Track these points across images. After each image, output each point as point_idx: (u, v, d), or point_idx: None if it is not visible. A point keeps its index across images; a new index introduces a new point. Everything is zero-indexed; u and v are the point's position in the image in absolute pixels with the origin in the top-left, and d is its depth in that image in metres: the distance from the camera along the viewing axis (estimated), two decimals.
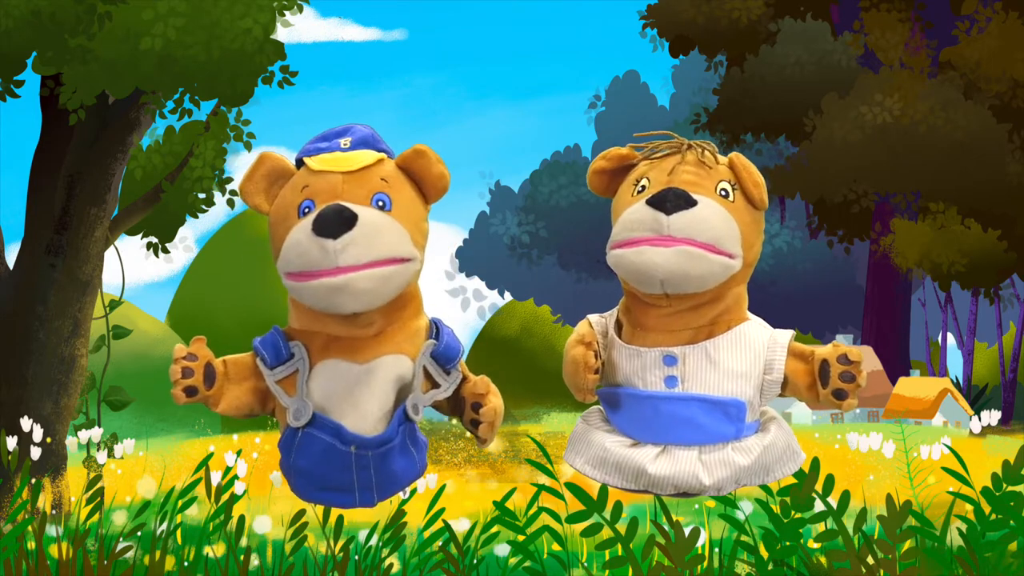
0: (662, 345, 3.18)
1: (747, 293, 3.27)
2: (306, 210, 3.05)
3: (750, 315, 3.26)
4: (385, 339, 3.12)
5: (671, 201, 3.07)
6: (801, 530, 4.96)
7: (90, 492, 5.78)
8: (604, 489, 3.33)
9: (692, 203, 3.07)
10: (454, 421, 3.39)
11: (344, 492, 3.15)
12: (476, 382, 3.23)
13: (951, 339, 22.90)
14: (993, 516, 5.04)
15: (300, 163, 3.16)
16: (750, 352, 3.18)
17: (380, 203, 3.06)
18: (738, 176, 3.17)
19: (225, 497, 5.63)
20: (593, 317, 3.33)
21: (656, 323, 3.19)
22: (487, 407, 3.21)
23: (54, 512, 9.21)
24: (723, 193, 3.14)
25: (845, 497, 4.88)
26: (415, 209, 3.13)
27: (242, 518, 5.68)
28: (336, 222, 2.96)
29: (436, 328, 3.20)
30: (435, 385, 3.18)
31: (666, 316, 3.17)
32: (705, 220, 3.07)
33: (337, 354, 3.09)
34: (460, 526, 5.60)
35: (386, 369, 3.11)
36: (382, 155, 3.16)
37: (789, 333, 3.23)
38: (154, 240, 10.18)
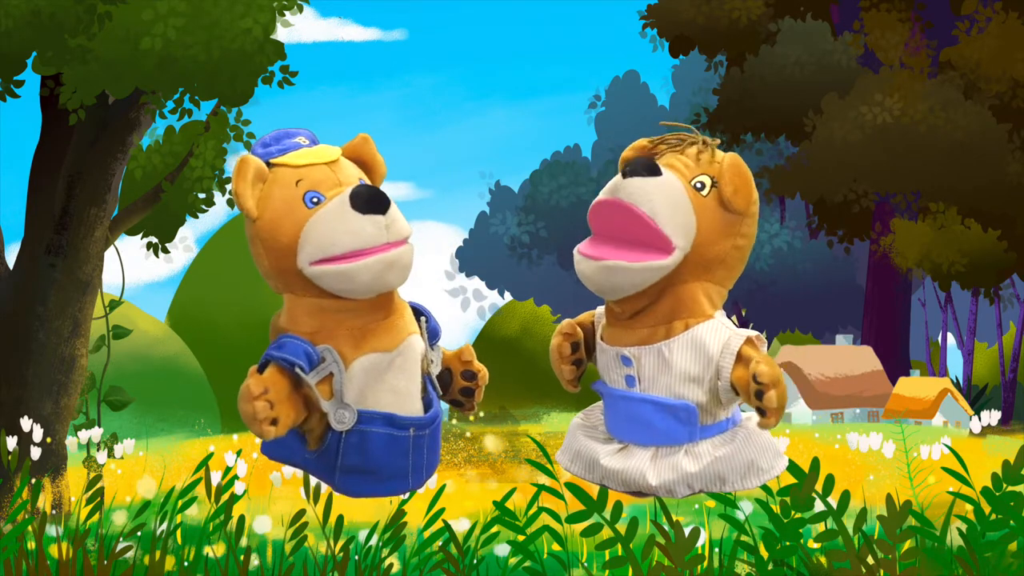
0: (619, 344, 3.18)
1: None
2: (314, 200, 3.05)
3: (716, 314, 3.18)
4: (397, 323, 3.14)
5: (632, 166, 3.07)
6: (801, 530, 4.96)
7: (90, 492, 5.78)
8: (604, 489, 3.33)
9: (654, 173, 3.05)
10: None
11: (399, 479, 3.17)
12: (461, 351, 3.30)
13: (951, 339, 22.92)
14: (993, 516, 5.04)
15: (268, 165, 3.17)
16: (703, 356, 3.12)
17: None
18: (719, 172, 3.13)
19: (225, 497, 5.63)
20: (600, 308, 3.34)
21: (616, 321, 3.21)
22: (481, 372, 3.31)
23: (54, 512, 9.21)
24: (698, 186, 3.11)
25: (845, 497, 4.88)
26: None
27: (242, 518, 5.68)
28: (379, 199, 3.00)
29: (417, 308, 3.25)
30: (429, 362, 3.23)
31: (623, 314, 3.18)
32: (652, 192, 3.03)
33: (367, 348, 3.09)
34: (460, 526, 5.61)
35: (412, 350, 3.15)
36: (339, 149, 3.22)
37: (743, 337, 3.12)
38: (154, 240, 10.18)
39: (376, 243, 2.99)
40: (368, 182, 3.15)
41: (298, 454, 3.18)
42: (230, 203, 9.88)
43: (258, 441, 3.10)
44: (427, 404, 3.19)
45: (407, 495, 3.60)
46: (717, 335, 3.13)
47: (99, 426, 10.08)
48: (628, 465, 3.17)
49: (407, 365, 3.13)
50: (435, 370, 3.24)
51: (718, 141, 3.20)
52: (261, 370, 3.05)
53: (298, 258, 3.03)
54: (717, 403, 3.16)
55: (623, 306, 3.14)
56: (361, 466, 3.11)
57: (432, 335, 3.24)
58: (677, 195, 3.06)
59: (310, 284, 3.04)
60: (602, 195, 3.13)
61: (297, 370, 3.02)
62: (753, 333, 3.15)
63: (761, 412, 3.08)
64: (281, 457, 3.24)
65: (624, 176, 3.07)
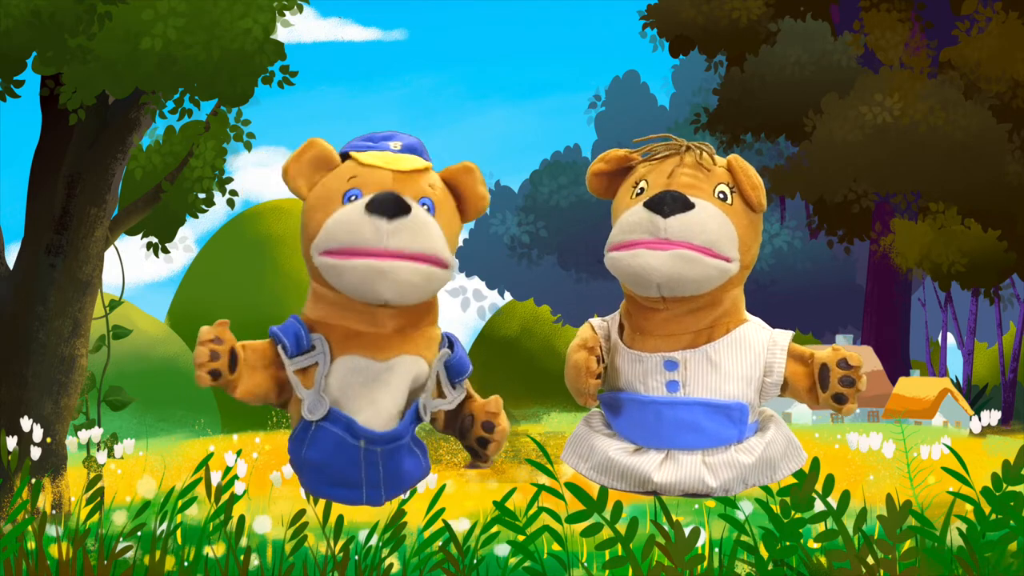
0: (662, 350, 3.17)
1: (745, 294, 3.27)
2: (352, 198, 3.04)
3: (749, 316, 3.25)
4: (405, 340, 3.11)
5: (668, 204, 3.06)
6: (801, 530, 4.96)
7: (90, 492, 5.78)
8: (604, 489, 3.32)
9: (689, 206, 3.06)
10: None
11: (351, 488, 3.15)
12: (489, 401, 3.22)
13: (951, 339, 22.92)
14: (993, 516, 5.04)
15: (344, 157, 3.16)
16: (750, 354, 3.18)
17: (425, 207, 3.06)
18: (736, 179, 3.16)
19: (225, 497, 5.63)
20: (595, 321, 3.32)
21: (655, 327, 3.18)
22: (501, 427, 3.22)
23: (54, 512, 9.21)
24: (721, 196, 3.13)
25: (845, 497, 4.88)
26: (455, 222, 3.15)
27: (242, 518, 5.68)
28: (393, 205, 2.97)
29: (449, 340, 3.20)
30: (441, 395, 3.18)
31: (664, 320, 3.17)
32: (702, 223, 3.06)
33: (358, 350, 3.08)
34: (460, 526, 5.60)
35: (405, 368, 3.11)
36: (429, 164, 3.17)
37: (788, 334, 3.23)
38: (154, 240, 10.19)
39: (369, 246, 2.96)
40: (435, 205, 3.09)
41: (291, 446, 3.20)
42: (230, 203, 9.88)
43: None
44: (403, 425, 3.15)
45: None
46: (760, 334, 3.21)
47: (99, 426, 10.08)
48: (683, 475, 3.17)
49: (393, 381, 3.10)
50: (447, 407, 3.19)
51: (709, 146, 3.21)
52: None
53: (312, 245, 3.04)
54: (759, 401, 3.22)
55: (668, 304, 3.14)
56: (317, 462, 3.11)
57: (454, 370, 3.18)
58: (719, 217, 3.10)
59: (319, 274, 3.06)
60: (635, 235, 3.08)
61: (279, 348, 3.05)
62: (790, 332, 3.22)
63: (840, 399, 3.12)
64: (289, 450, 3.25)
65: (664, 215, 3.06)
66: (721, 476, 3.18)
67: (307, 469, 3.15)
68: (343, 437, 3.08)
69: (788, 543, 4.97)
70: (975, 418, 9.01)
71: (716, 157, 3.20)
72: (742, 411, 3.18)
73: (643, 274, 3.08)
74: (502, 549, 5.63)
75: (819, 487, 4.84)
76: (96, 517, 5.84)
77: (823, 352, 3.20)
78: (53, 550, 5.87)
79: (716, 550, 5.51)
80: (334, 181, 3.09)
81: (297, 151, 3.12)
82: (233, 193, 9.83)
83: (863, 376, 3.16)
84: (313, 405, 3.06)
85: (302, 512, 5.46)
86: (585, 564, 5.73)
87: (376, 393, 3.08)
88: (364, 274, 2.97)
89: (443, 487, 5.54)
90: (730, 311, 3.20)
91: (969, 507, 5.09)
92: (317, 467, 3.12)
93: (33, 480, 6.52)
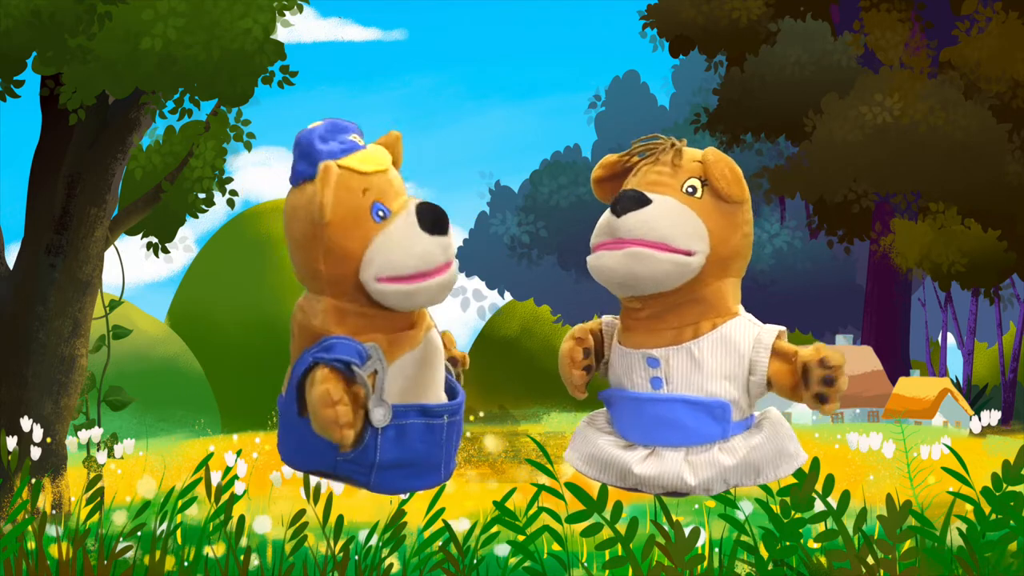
0: (645, 346, 3.18)
1: (744, 293, 3.25)
2: (381, 214, 3.05)
3: (740, 310, 3.23)
4: (418, 320, 3.16)
5: (621, 203, 3.08)
6: (801, 530, 4.96)
7: (90, 492, 5.79)
8: (604, 489, 3.34)
9: (644, 203, 3.07)
10: None
11: (434, 471, 3.18)
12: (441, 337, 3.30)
13: (951, 339, 22.93)
14: (993, 516, 5.04)
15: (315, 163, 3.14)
16: (735, 353, 3.17)
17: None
18: (707, 171, 3.15)
19: (225, 497, 5.64)
20: (606, 318, 3.34)
21: (638, 324, 3.20)
22: (461, 355, 3.30)
23: (54, 512, 9.22)
24: (690, 190, 3.13)
25: (845, 497, 4.88)
26: None
27: (242, 518, 5.68)
28: (444, 221, 3.02)
29: None
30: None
31: (647, 317, 3.17)
32: (652, 219, 3.06)
33: (402, 352, 3.10)
34: (460, 526, 5.61)
35: (435, 342, 3.16)
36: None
37: (774, 332, 3.19)
38: (154, 240, 10.19)
39: (438, 264, 3.00)
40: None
41: (328, 458, 3.15)
42: (230, 203, 9.89)
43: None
44: (449, 391, 3.21)
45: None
46: (746, 331, 3.18)
47: (99, 426, 10.09)
48: (663, 469, 3.18)
49: (429, 357, 3.14)
50: None
51: (684, 141, 3.21)
52: (304, 375, 3.04)
53: (362, 272, 3.02)
54: (746, 399, 3.20)
55: (645, 303, 3.14)
56: (399, 460, 3.10)
57: None
58: (676, 211, 3.09)
59: (362, 294, 3.05)
60: (599, 238, 3.12)
61: (354, 368, 3.01)
62: (779, 328, 3.19)
63: (822, 399, 3.12)
64: (307, 465, 3.20)
65: (617, 215, 3.07)
66: (701, 475, 3.18)
67: (385, 472, 3.12)
68: (425, 423, 3.10)
69: (788, 543, 4.97)
70: (975, 418, 9.03)
71: (690, 151, 3.19)
72: (724, 409, 3.17)
73: (604, 275, 3.11)
74: (502, 549, 5.64)
75: (819, 487, 4.84)
76: (96, 517, 5.84)
77: (806, 351, 3.17)
78: (53, 550, 5.88)
79: (716, 550, 5.51)
80: (349, 197, 3.05)
81: (327, 180, 3.02)
82: (233, 193, 9.84)
83: (844, 375, 3.14)
84: (379, 412, 3.06)
85: (302, 512, 5.46)
86: (585, 564, 5.74)
87: (423, 376, 3.12)
88: (435, 292, 3.02)
89: (443, 487, 5.54)
90: (716, 305, 3.16)
91: (969, 507, 5.10)
92: (400, 464, 3.12)
93: (33, 480, 6.52)
